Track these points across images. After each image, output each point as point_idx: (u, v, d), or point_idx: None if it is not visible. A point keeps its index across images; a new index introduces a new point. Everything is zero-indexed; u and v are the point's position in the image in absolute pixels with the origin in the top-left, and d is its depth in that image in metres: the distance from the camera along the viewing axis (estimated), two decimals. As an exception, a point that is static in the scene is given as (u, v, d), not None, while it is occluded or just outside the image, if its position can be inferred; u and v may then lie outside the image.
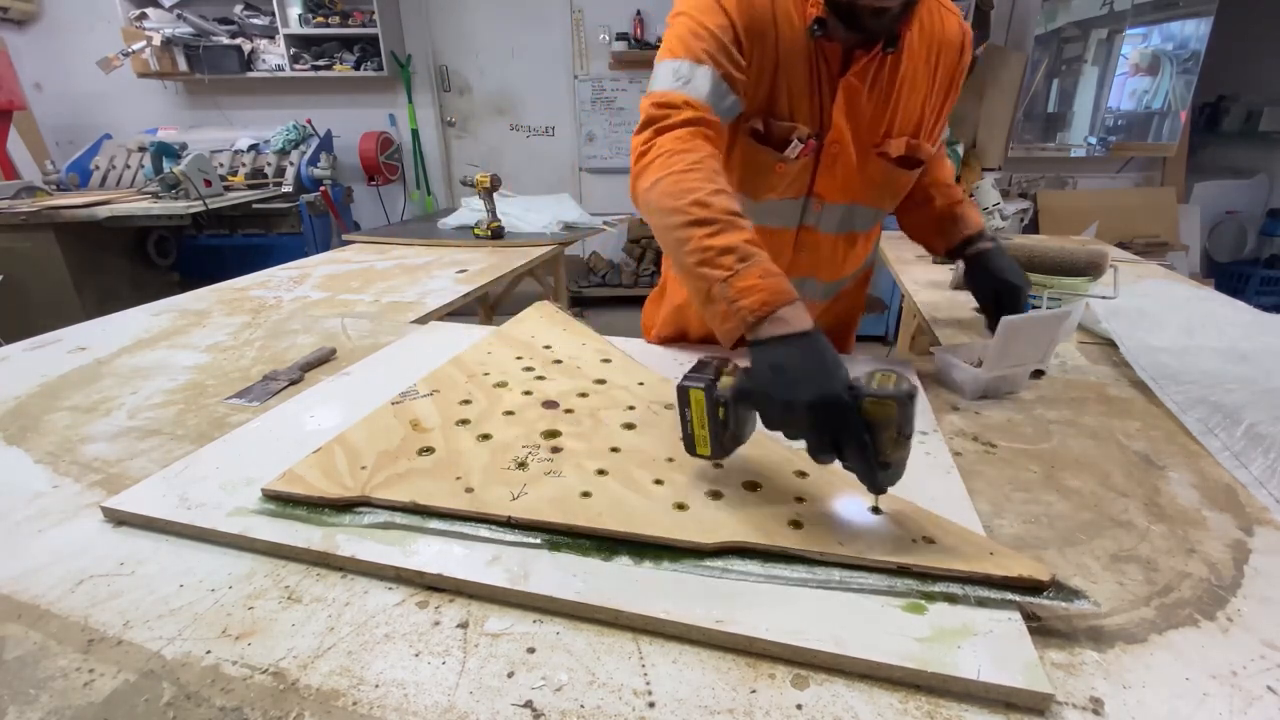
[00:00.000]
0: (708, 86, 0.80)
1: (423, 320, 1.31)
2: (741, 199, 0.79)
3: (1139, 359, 1.02)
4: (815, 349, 0.58)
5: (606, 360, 0.99)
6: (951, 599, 0.52)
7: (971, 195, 2.24)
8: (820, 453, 0.55)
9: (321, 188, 3.61)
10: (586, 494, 0.64)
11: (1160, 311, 1.22)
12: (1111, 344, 1.15)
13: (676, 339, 1.17)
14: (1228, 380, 0.93)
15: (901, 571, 0.54)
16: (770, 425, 0.58)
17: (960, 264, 1.09)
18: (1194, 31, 3.41)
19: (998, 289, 0.97)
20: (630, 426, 0.78)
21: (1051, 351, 0.94)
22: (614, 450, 0.72)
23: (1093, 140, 3.72)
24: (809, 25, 0.82)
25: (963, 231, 1.03)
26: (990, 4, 3.56)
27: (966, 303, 1.43)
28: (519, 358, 1.00)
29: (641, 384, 0.91)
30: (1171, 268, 2.39)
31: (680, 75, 0.80)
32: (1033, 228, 3.44)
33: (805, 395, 0.54)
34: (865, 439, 0.53)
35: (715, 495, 0.64)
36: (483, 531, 0.60)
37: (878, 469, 0.53)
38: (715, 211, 0.68)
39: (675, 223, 0.69)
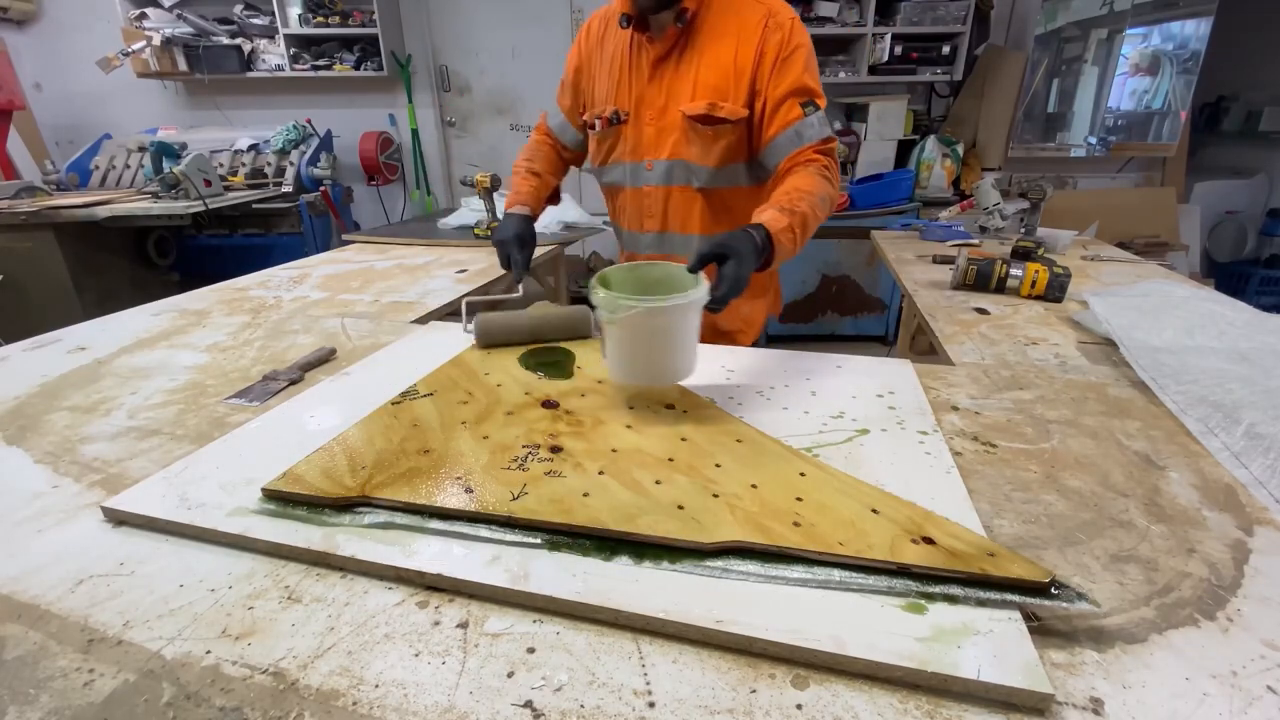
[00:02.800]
0: (555, 121, 1.42)
1: (423, 320, 1.31)
2: (596, 168, 1.38)
3: (1139, 359, 1.02)
4: (512, 220, 1.26)
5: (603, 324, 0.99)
6: (951, 599, 0.52)
7: (970, 195, 2.24)
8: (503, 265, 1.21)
9: (321, 188, 3.61)
10: (586, 494, 0.64)
11: (1160, 311, 1.22)
12: (1111, 344, 1.15)
13: None
14: (1228, 380, 0.93)
15: (901, 572, 0.54)
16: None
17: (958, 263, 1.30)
18: (1194, 31, 3.41)
19: (718, 254, 0.89)
20: (630, 427, 0.78)
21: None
22: (614, 450, 0.72)
23: (1093, 140, 3.72)
24: (619, 20, 1.19)
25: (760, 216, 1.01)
26: (990, 4, 3.56)
27: (966, 302, 1.43)
28: (519, 358, 1.00)
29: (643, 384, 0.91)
30: (1172, 268, 2.39)
31: (552, 108, 1.42)
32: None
33: (496, 236, 1.24)
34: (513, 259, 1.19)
35: (715, 495, 0.64)
36: (483, 531, 0.60)
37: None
38: (516, 168, 1.41)
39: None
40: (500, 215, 2.22)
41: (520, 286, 1.24)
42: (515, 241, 1.21)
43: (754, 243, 0.90)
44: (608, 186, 1.38)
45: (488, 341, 1.07)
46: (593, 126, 1.30)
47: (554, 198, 1.45)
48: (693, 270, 0.84)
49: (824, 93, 1.15)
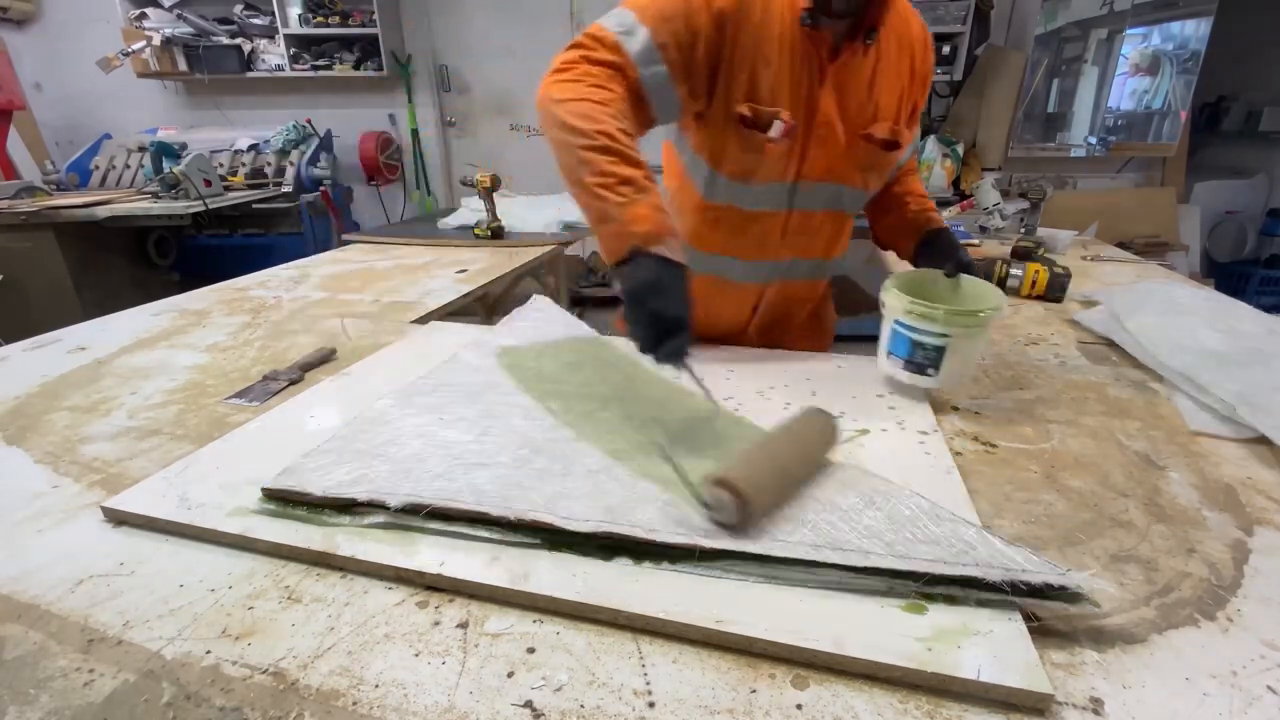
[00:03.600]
0: (639, 46, 0.85)
1: (423, 320, 1.31)
2: (733, 185, 0.99)
3: (1149, 357, 1.03)
4: (681, 278, 0.74)
5: (606, 359, 0.99)
6: (951, 599, 0.52)
7: (970, 195, 2.24)
8: (646, 346, 0.73)
9: (321, 188, 3.61)
10: (588, 494, 0.64)
11: (1160, 311, 1.22)
12: (1111, 344, 1.15)
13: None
14: (1230, 378, 0.93)
15: (902, 572, 0.54)
16: (625, 316, 0.73)
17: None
18: (1194, 31, 3.41)
19: (969, 264, 0.98)
20: (629, 427, 0.78)
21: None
22: (615, 450, 0.72)
23: (1093, 140, 3.72)
24: (799, 15, 0.89)
25: (929, 225, 1.07)
26: (990, 4, 3.56)
27: (966, 303, 1.43)
28: (518, 359, 1.00)
29: (643, 383, 0.91)
30: (1172, 268, 2.39)
31: (624, 24, 0.86)
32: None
33: (658, 302, 0.71)
34: (687, 350, 0.73)
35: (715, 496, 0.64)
36: (483, 531, 0.60)
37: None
38: (622, 145, 0.77)
39: (583, 144, 0.77)
40: (503, 221, 2.22)
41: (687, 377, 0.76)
42: (687, 310, 0.73)
43: None
44: (743, 210, 1.02)
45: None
46: (759, 125, 0.92)
47: None
48: (951, 275, 0.94)
49: None
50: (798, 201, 1.02)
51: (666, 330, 0.71)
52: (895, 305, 0.87)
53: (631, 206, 0.74)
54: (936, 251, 1.02)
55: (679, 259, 0.74)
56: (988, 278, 1.47)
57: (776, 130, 0.93)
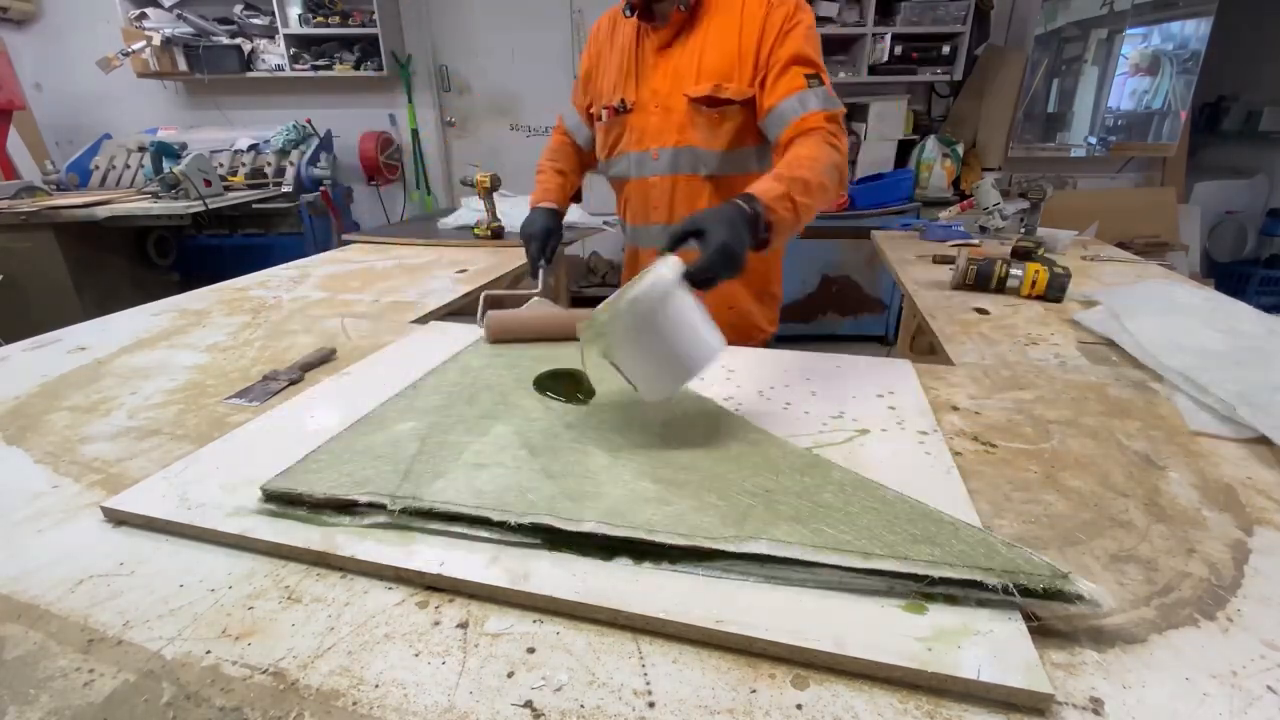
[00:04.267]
0: (570, 121, 1.43)
1: (423, 320, 1.31)
2: (603, 162, 1.35)
3: (1149, 357, 1.03)
4: (537, 214, 1.31)
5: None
6: (952, 599, 0.52)
7: (970, 195, 2.24)
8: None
9: (321, 188, 3.61)
10: (588, 494, 0.64)
11: (1160, 311, 1.22)
12: (1111, 344, 1.15)
13: None
14: (1230, 378, 0.93)
15: (902, 572, 0.54)
16: None
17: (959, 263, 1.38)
18: (1194, 31, 3.41)
19: (695, 230, 0.79)
20: (630, 427, 0.78)
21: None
22: (615, 451, 0.72)
23: (1093, 140, 3.72)
24: (620, 11, 1.20)
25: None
26: (990, 4, 3.56)
27: (966, 302, 1.43)
28: (518, 359, 1.00)
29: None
30: (1172, 268, 2.39)
31: (568, 108, 1.43)
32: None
33: (523, 230, 1.28)
34: (534, 255, 1.26)
35: (715, 496, 0.64)
36: (482, 531, 0.60)
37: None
38: (541, 167, 1.42)
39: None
40: (503, 221, 2.25)
41: (540, 280, 1.26)
42: (541, 235, 1.25)
43: (741, 212, 0.79)
44: (615, 179, 1.36)
45: (497, 339, 1.09)
46: (599, 118, 1.29)
47: (577, 196, 1.46)
48: (665, 251, 0.75)
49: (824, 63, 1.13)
50: (652, 167, 1.25)
51: (524, 239, 1.27)
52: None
53: (535, 192, 1.38)
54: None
55: (546, 207, 1.32)
56: (987, 278, 1.48)
57: (613, 117, 1.26)
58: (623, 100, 1.23)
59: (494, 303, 1.19)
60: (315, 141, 3.80)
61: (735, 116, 1.16)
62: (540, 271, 1.26)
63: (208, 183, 3.07)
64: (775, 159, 1.09)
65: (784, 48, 1.10)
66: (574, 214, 2.53)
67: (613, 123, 1.27)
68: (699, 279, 0.73)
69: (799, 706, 0.45)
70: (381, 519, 0.62)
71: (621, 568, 0.56)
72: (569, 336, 1.08)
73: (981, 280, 1.51)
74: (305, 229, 3.41)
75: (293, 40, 3.86)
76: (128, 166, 3.67)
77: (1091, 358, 1.10)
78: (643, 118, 1.23)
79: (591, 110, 1.32)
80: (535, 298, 1.25)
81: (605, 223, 2.64)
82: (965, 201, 2.30)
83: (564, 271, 2.67)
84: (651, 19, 1.18)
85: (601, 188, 1.46)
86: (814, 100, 1.07)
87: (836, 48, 3.61)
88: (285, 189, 3.50)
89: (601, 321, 0.71)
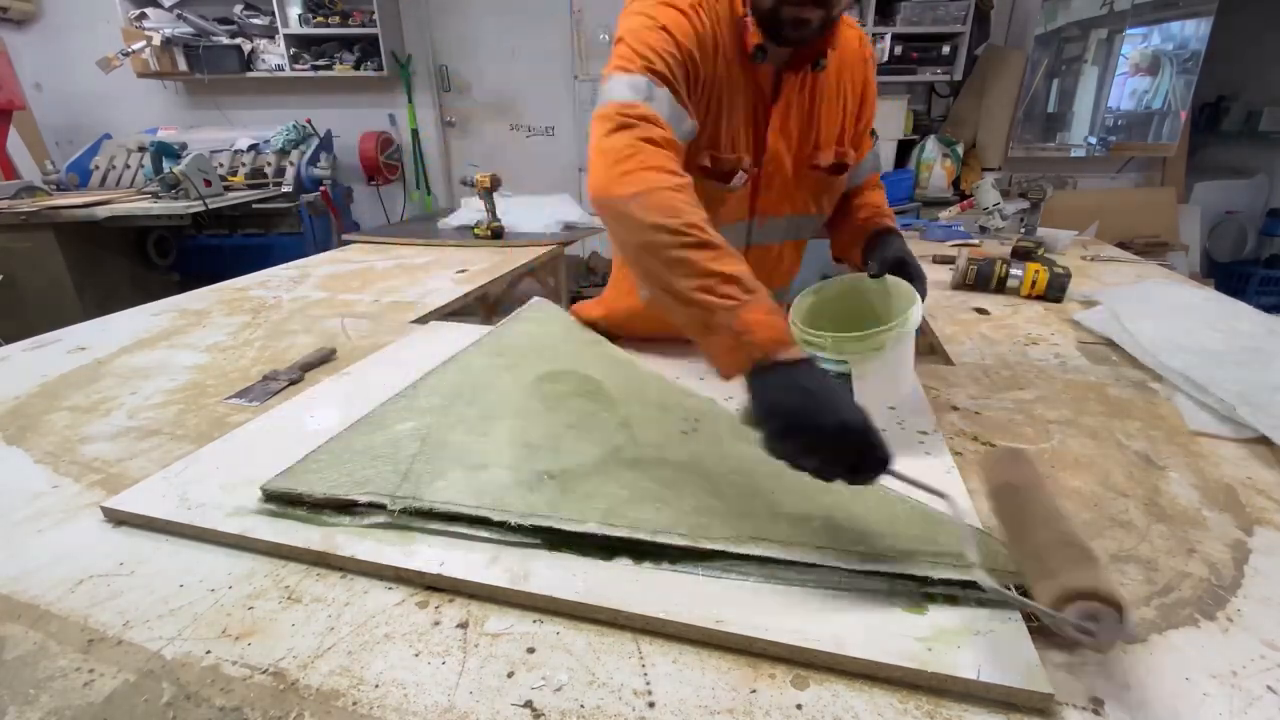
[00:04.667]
0: (667, 108, 0.78)
1: (423, 320, 1.31)
2: None
3: (1149, 357, 1.03)
4: (828, 380, 0.59)
5: (606, 360, 0.99)
6: (952, 599, 0.52)
7: (970, 195, 2.24)
8: (835, 475, 0.55)
9: (321, 188, 3.61)
10: (589, 495, 0.64)
11: (1160, 311, 1.22)
12: (1111, 344, 1.15)
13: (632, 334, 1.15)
14: (1230, 378, 0.93)
15: (902, 573, 0.54)
16: (782, 452, 0.56)
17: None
18: (1194, 31, 3.40)
19: (899, 260, 0.88)
20: (631, 427, 0.78)
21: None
22: (615, 451, 0.72)
23: (1093, 140, 3.71)
24: (750, 52, 0.84)
25: (878, 228, 0.99)
26: (990, 4, 3.56)
27: (965, 303, 1.43)
28: (518, 360, 1.00)
29: (642, 384, 0.91)
30: (1172, 268, 2.39)
31: (639, 90, 0.77)
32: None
33: (830, 420, 0.53)
34: (887, 459, 0.55)
35: (715, 496, 0.64)
36: (482, 531, 0.60)
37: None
38: (713, 238, 0.66)
39: (671, 242, 0.65)
40: (503, 221, 2.23)
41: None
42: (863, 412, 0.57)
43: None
44: None
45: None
46: (721, 178, 0.91)
47: None
48: (876, 275, 0.85)
49: None
50: (755, 237, 1.02)
51: (856, 445, 0.54)
52: (796, 336, 0.75)
53: (744, 311, 0.61)
54: (872, 250, 0.94)
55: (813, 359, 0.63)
56: (987, 278, 1.48)
57: (739, 180, 0.92)
58: (741, 163, 0.92)
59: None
60: (315, 141, 3.80)
61: (844, 180, 1.03)
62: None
63: (208, 183, 3.07)
64: (841, 202, 1.08)
65: (870, 105, 1.02)
66: (574, 213, 2.53)
67: (734, 187, 0.93)
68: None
69: (799, 706, 0.45)
70: (381, 519, 0.62)
71: (621, 568, 0.56)
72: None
73: (981, 280, 1.51)
74: (305, 229, 3.41)
75: (293, 40, 3.86)
76: (128, 166, 3.67)
77: (1091, 358, 1.10)
78: (758, 184, 0.97)
79: (703, 160, 0.90)
80: (536, 298, 1.24)
81: (605, 223, 2.63)
82: (965, 201, 2.30)
83: (564, 271, 2.67)
84: (785, 44, 0.86)
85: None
86: (875, 161, 1.09)
87: (836, 48, 3.61)
88: (285, 189, 3.50)
89: (871, 340, 0.73)
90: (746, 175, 0.92)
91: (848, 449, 0.54)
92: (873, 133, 1.05)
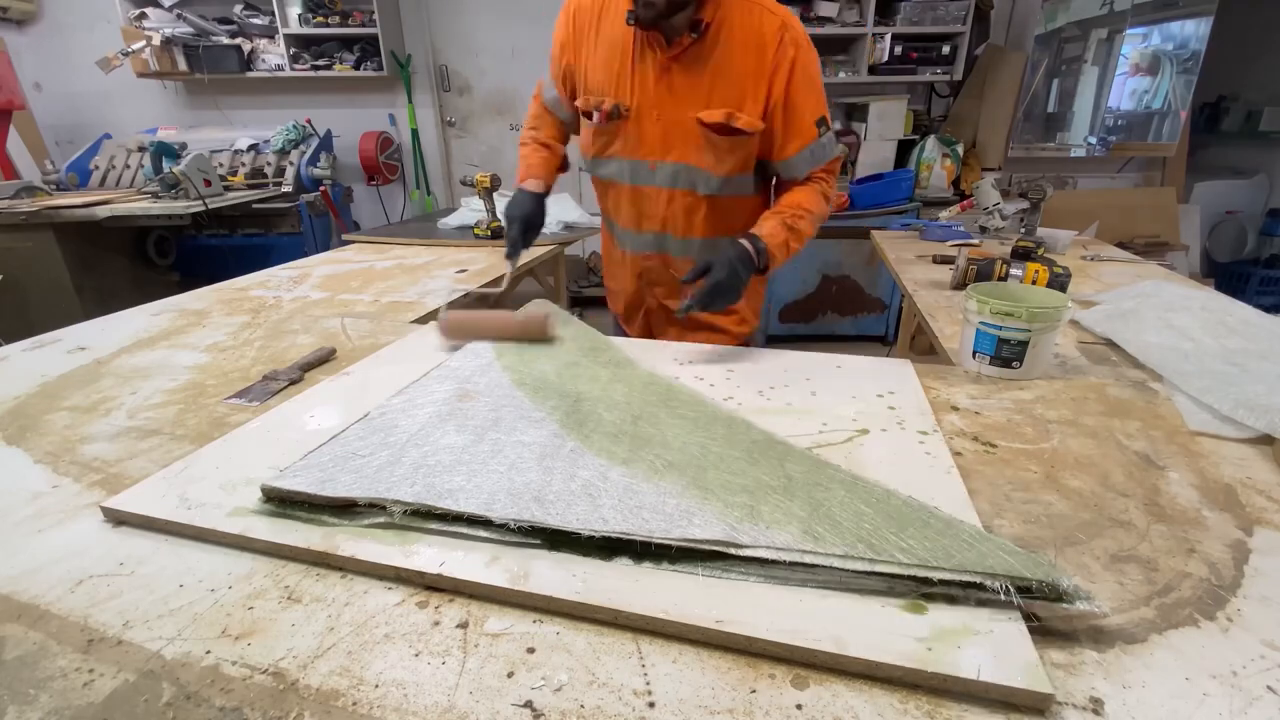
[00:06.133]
0: (546, 84, 1.35)
1: (423, 320, 1.31)
2: (589, 160, 1.32)
3: (1149, 357, 1.03)
4: (523, 196, 1.29)
5: (606, 360, 0.99)
6: (952, 599, 0.52)
7: (970, 195, 2.24)
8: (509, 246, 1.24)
9: (321, 188, 3.61)
10: (588, 495, 0.64)
11: (1160, 311, 1.22)
12: (1111, 344, 1.15)
13: (615, 300, 1.52)
14: (1230, 379, 0.93)
15: (902, 574, 0.54)
16: None
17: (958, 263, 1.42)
18: (1194, 31, 3.40)
19: (703, 268, 1.08)
20: (631, 428, 0.78)
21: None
22: (615, 452, 0.72)
23: (1093, 140, 3.71)
24: (626, 16, 1.12)
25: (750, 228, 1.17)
26: (990, 4, 3.56)
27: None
28: (518, 360, 1.00)
29: (643, 384, 0.91)
30: (1172, 268, 2.39)
31: (545, 79, 1.35)
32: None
33: (506, 211, 1.26)
34: (515, 239, 1.25)
35: (715, 496, 0.64)
36: (482, 532, 0.60)
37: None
38: (524, 139, 1.38)
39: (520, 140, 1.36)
40: (498, 214, 2.25)
41: (514, 264, 1.27)
42: (523, 219, 1.25)
43: (746, 253, 1.08)
44: (602, 180, 1.33)
45: (452, 336, 1.10)
46: (589, 116, 1.23)
47: (563, 165, 1.42)
48: (685, 282, 1.09)
49: (826, 97, 1.18)
50: (644, 177, 1.25)
51: (508, 221, 1.26)
52: (979, 309, 0.98)
53: (519, 168, 1.33)
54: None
55: (531, 190, 1.30)
56: (987, 278, 1.48)
57: (598, 119, 1.21)
58: (617, 106, 1.19)
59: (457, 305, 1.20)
60: (315, 141, 3.80)
61: (744, 146, 1.17)
62: (516, 256, 1.26)
63: (208, 183, 3.07)
64: (778, 189, 1.27)
65: (797, 92, 1.12)
66: (574, 213, 2.53)
67: (604, 126, 1.23)
68: (698, 308, 1.05)
69: (799, 706, 0.45)
70: (381, 519, 0.62)
71: (621, 568, 0.56)
72: (520, 337, 1.08)
73: (981, 280, 1.51)
74: (305, 229, 3.41)
75: (293, 40, 3.86)
76: (128, 166, 3.67)
77: (1091, 358, 1.10)
78: (639, 127, 1.20)
79: (578, 103, 1.26)
80: (535, 299, 1.24)
81: (592, 213, 2.64)
82: (965, 201, 2.30)
83: (564, 271, 2.67)
84: (656, 29, 1.12)
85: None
86: (822, 152, 1.19)
87: (836, 48, 3.61)
88: (285, 189, 3.50)
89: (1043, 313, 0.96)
90: (620, 115, 1.20)
91: (507, 224, 1.26)
92: (822, 122, 1.16)
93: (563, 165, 1.42)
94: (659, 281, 1.37)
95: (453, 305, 1.21)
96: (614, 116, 1.20)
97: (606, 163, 1.28)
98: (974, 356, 1.01)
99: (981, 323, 0.98)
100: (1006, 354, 0.98)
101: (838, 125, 3.74)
